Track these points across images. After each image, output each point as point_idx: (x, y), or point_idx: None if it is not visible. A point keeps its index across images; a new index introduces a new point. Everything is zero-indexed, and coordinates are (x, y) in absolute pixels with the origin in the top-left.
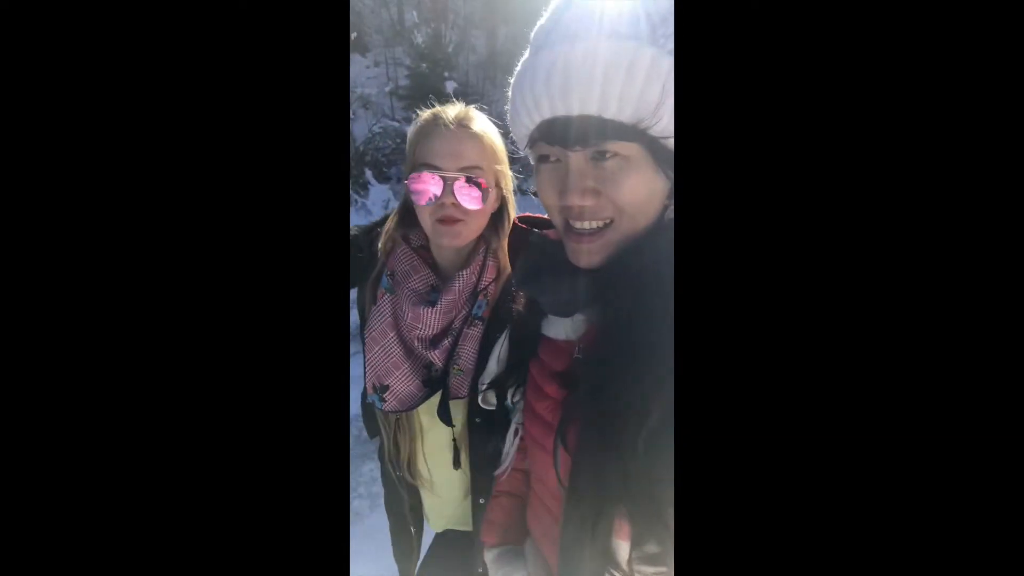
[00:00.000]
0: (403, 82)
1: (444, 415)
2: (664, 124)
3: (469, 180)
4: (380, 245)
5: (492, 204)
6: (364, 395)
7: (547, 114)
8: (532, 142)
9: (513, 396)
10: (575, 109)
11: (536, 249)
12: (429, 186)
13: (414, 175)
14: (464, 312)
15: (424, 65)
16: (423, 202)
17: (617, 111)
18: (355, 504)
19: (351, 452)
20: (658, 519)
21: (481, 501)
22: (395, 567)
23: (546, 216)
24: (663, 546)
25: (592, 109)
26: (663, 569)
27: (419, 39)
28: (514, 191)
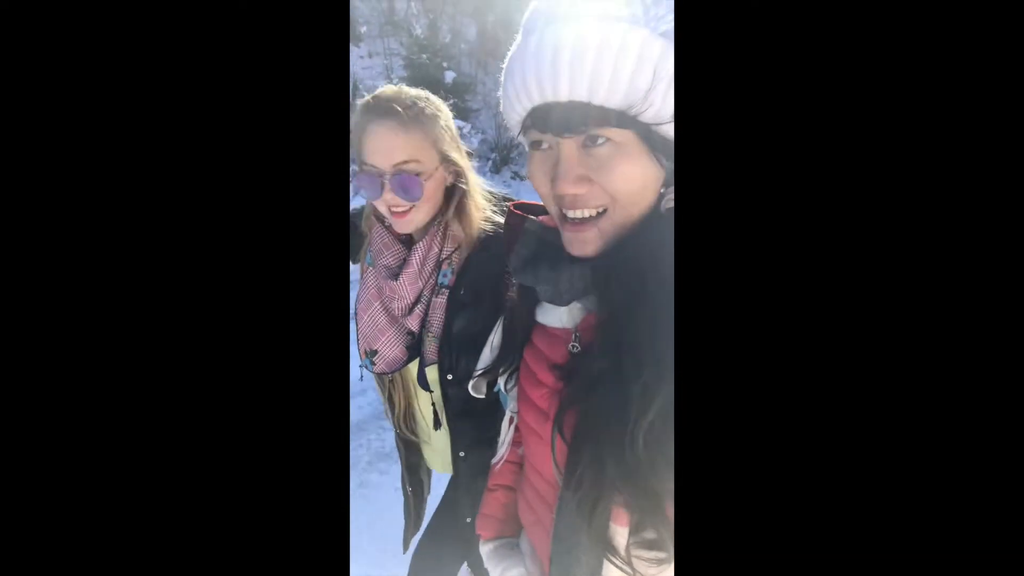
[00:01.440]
0: (401, 73)
1: (422, 381)
2: (656, 110)
3: (403, 178)
4: (362, 225)
5: (438, 186)
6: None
7: (538, 100)
8: (525, 128)
9: (507, 384)
10: (564, 95)
11: (532, 236)
12: (369, 185)
13: (357, 174)
14: (432, 282)
15: (424, 56)
16: (370, 198)
17: (606, 97)
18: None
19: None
20: (657, 509)
21: (461, 454)
22: (397, 567)
23: (542, 203)
24: (662, 533)
25: (581, 95)
26: (662, 555)
27: (418, 30)
28: (469, 154)
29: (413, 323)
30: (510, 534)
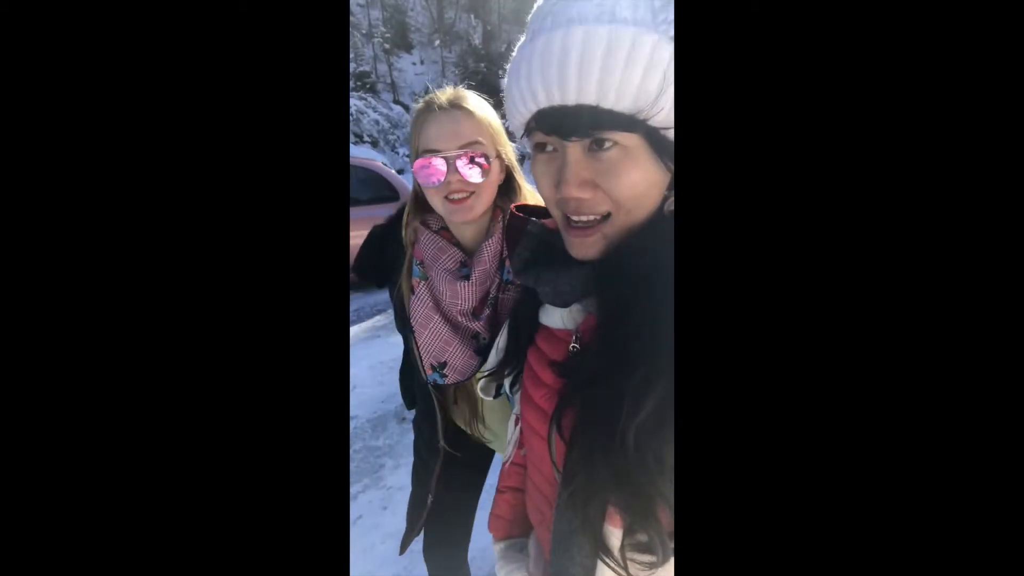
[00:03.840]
0: (454, 80)
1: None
2: (665, 114)
3: (470, 158)
4: (404, 237)
5: (497, 175)
6: (402, 374)
7: (544, 103)
8: (529, 131)
9: (511, 385)
10: (572, 98)
11: (533, 238)
12: (434, 168)
13: (418, 161)
14: (497, 280)
15: (483, 64)
16: (431, 184)
17: (616, 101)
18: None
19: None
20: (648, 511)
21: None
22: (396, 567)
23: (544, 205)
24: (652, 536)
25: (590, 98)
26: (654, 558)
27: (476, 40)
28: (517, 159)
29: (482, 327)
30: (519, 534)
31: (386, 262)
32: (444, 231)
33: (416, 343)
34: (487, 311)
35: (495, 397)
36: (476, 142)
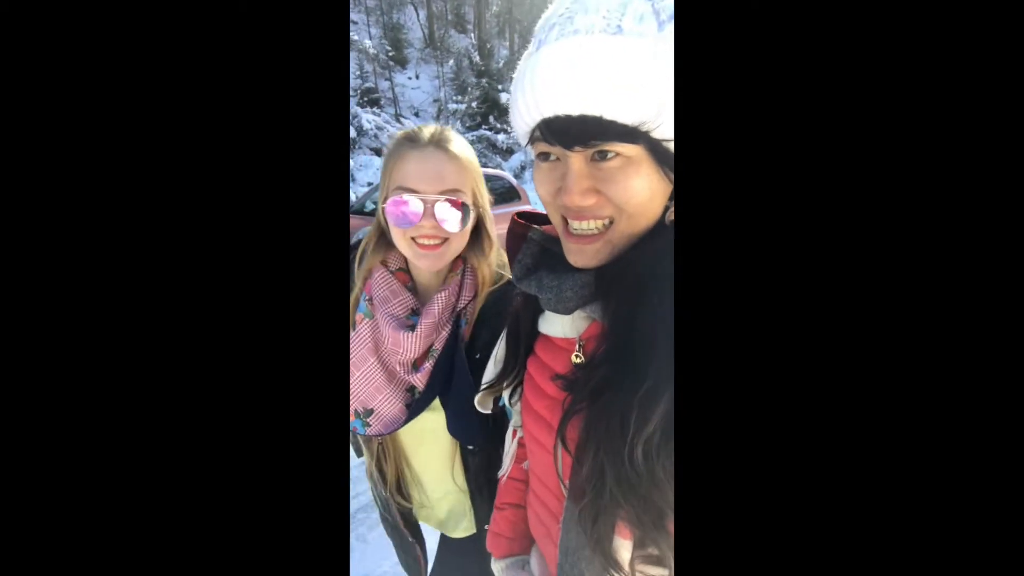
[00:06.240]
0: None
1: (458, 433)
2: (668, 126)
3: (450, 204)
4: (357, 269)
5: (471, 222)
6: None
7: (548, 113)
8: (533, 140)
9: (511, 398)
10: (576, 109)
11: (535, 245)
12: (409, 209)
13: (393, 198)
14: (443, 333)
15: (484, 80)
16: (403, 225)
17: (619, 112)
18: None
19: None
20: (659, 524)
21: (486, 528)
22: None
23: (545, 212)
24: (664, 550)
25: (594, 109)
26: (665, 572)
27: (476, 57)
28: (518, 170)
29: (420, 380)
30: (519, 551)
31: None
32: (401, 272)
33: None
34: (427, 364)
35: (492, 411)
36: (457, 189)
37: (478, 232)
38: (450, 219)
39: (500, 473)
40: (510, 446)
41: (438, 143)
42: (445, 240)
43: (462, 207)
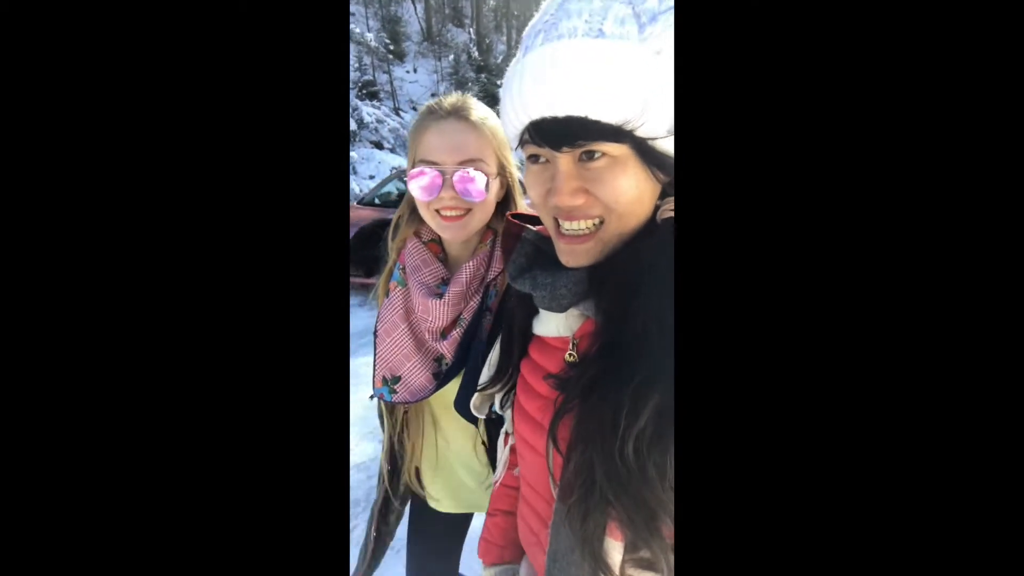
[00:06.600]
0: (450, 89)
1: (462, 408)
2: (652, 125)
3: (470, 172)
4: (391, 240)
5: (497, 193)
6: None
7: (535, 115)
8: (522, 143)
9: (502, 402)
10: (562, 110)
11: (529, 244)
12: (429, 181)
13: (413, 171)
14: (472, 303)
15: (483, 76)
16: (424, 198)
17: (603, 112)
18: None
19: None
20: (651, 525)
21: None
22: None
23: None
24: (656, 553)
25: (579, 110)
26: None
27: (474, 52)
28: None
29: (447, 348)
30: (510, 559)
31: (378, 254)
32: (433, 243)
33: (375, 350)
34: (455, 333)
35: (487, 415)
36: (478, 159)
37: (507, 202)
38: (470, 189)
39: (493, 479)
40: (502, 453)
41: (458, 113)
42: (468, 211)
43: (483, 177)
